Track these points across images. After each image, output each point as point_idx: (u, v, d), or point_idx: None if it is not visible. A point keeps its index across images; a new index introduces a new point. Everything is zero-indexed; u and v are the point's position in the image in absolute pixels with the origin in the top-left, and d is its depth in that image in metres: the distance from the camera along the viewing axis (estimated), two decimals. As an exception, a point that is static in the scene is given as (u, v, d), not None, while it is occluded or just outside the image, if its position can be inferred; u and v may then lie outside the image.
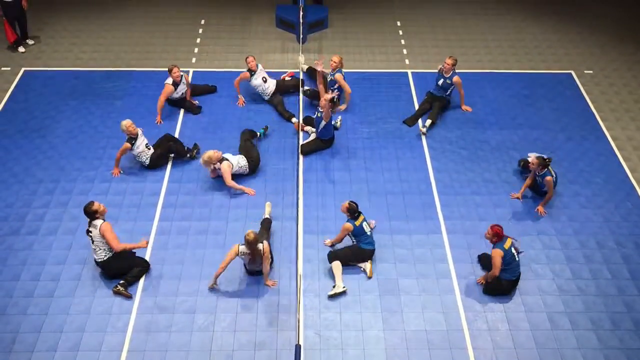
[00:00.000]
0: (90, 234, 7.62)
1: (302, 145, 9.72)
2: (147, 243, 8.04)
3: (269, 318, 7.46)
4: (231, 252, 7.53)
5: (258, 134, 9.87)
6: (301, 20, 11.69)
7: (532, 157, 8.77)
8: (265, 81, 10.67)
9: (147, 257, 8.12)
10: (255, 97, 10.93)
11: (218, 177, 9.16)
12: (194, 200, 8.99)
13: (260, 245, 7.47)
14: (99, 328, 7.32)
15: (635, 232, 8.66)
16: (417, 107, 10.81)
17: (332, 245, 8.23)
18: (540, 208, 8.87)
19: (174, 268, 8.04)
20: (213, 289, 7.73)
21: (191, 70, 11.71)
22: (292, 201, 8.94)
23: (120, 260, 7.72)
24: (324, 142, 9.78)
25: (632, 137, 10.39)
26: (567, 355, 7.17)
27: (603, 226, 8.73)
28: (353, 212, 7.84)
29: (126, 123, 9.04)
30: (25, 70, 11.66)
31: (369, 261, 8.02)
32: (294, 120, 10.42)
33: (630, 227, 8.72)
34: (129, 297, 7.60)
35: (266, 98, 10.80)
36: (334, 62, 10.36)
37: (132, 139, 9.11)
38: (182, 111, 10.63)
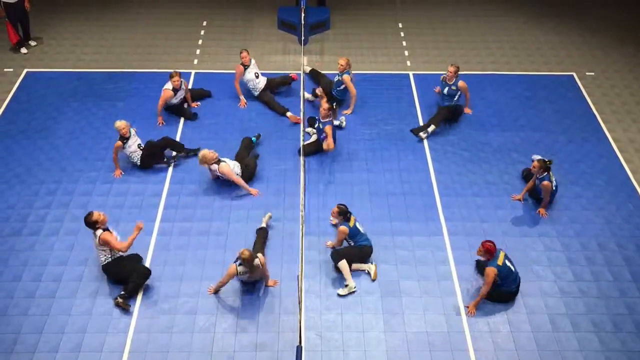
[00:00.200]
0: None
1: (303, 146, 9.70)
2: (142, 226, 7.69)
3: (270, 319, 7.46)
4: (229, 274, 7.41)
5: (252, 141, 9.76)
6: (303, 22, 11.70)
7: (535, 159, 8.76)
8: (257, 77, 10.75)
9: (148, 258, 8.13)
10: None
11: (218, 178, 9.16)
12: (196, 201, 9.00)
13: (256, 261, 7.38)
14: (101, 329, 7.32)
15: (636, 234, 8.65)
16: (418, 108, 10.82)
17: (333, 247, 8.23)
18: (541, 210, 8.86)
19: (175, 269, 8.04)
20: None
21: (193, 72, 11.73)
22: (292, 202, 8.94)
23: (120, 265, 7.66)
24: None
25: (634, 139, 10.38)
26: (568, 357, 7.16)
27: (604, 228, 8.72)
28: (344, 214, 7.83)
29: (120, 124, 9.06)
30: (27, 72, 11.68)
31: (374, 264, 8.01)
32: (288, 114, 10.54)
33: (631, 229, 8.71)
34: (128, 309, 7.46)
35: (255, 94, 10.85)
36: (341, 65, 10.34)
37: (125, 138, 9.14)
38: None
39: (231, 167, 8.96)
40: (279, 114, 10.61)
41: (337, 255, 7.90)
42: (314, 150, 9.77)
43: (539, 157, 8.82)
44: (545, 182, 8.56)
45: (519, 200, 9.07)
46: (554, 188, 8.76)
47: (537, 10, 14.02)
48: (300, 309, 7.09)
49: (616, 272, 8.12)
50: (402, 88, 11.42)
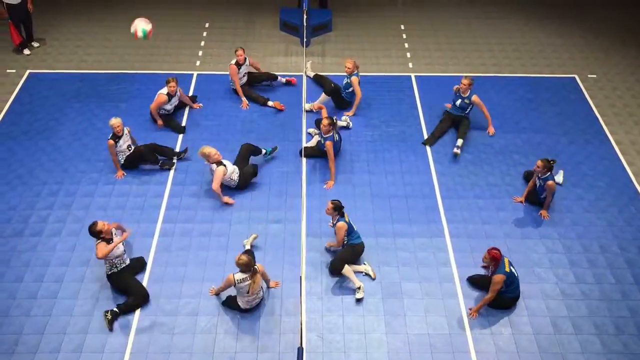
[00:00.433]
0: None
1: (305, 147, 9.71)
2: (127, 234, 7.63)
3: (271, 321, 7.46)
4: (227, 282, 7.25)
5: (264, 151, 9.55)
6: (305, 24, 11.71)
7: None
8: (244, 75, 10.95)
9: (150, 259, 8.14)
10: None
11: None
12: (197, 202, 9.00)
13: (256, 267, 7.23)
14: (102, 330, 7.32)
15: (638, 236, 8.64)
16: (420, 110, 10.82)
17: (330, 247, 8.17)
18: (543, 212, 8.85)
19: (177, 270, 8.05)
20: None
21: (195, 73, 11.74)
22: (294, 204, 8.95)
23: (121, 278, 7.62)
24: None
25: (636, 141, 10.37)
26: (570, 359, 7.15)
27: (606, 230, 8.71)
28: (339, 209, 7.78)
29: (116, 122, 9.05)
30: (30, 73, 11.71)
31: (368, 264, 7.99)
32: (269, 103, 10.76)
33: (633, 232, 8.71)
34: (109, 329, 7.29)
35: (233, 87, 11.01)
36: (348, 67, 10.33)
37: (117, 137, 9.14)
38: (186, 114, 10.65)
39: (229, 172, 8.87)
40: (259, 103, 10.81)
41: (335, 265, 7.79)
42: (315, 154, 9.70)
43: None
44: (550, 182, 8.56)
45: (521, 202, 9.06)
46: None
47: (539, 12, 14.02)
48: (301, 311, 7.10)
49: (618, 274, 8.11)
50: (404, 90, 11.43)
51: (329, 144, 9.12)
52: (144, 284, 7.82)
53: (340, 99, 10.62)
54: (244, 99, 10.87)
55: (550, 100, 11.23)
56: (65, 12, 13.65)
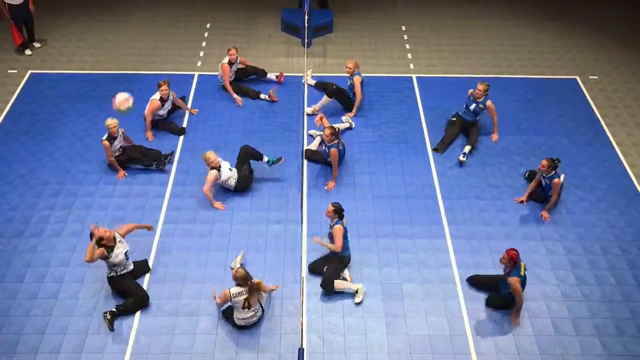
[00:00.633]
0: None
1: (306, 149, 9.68)
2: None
3: (272, 321, 7.45)
4: (224, 297, 7.15)
5: (266, 159, 9.31)
6: (306, 25, 11.71)
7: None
8: (233, 74, 11.05)
9: (151, 260, 8.14)
10: (262, 102, 10.96)
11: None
12: (198, 203, 9.01)
13: (252, 282, 7.08)
14: (103, 330, 7.32)
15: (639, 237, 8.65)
16: (421, 111, 10.83)
17: (324, 265, 7.94)
18: (544, 213, 8.85)
19: (177, 271, 8.05)
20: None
21: (196, 74, 11.75)
22: (294, 204, 8.95)
23: (119, 284, 7.59)
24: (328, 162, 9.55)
25: (637, 142, 10.36)
26: (571, 361, 7.16)
27: (607, 232, 8.71)
28: (339, 212, 7.70)
29: (111, 122, 9.04)
30: (31, 73, 11.72)
31: (360, 285, 7.76)
32: (262, 95, 10.87)
33: (635, 233, 8.70)
34: (110, 329, 7.31)
35: (222, 84, 11.06)
36: (349, 67, 10.31)
37: (112, 138, 9.15)
38: (186, 115, 10.66)
39: (224, 177, 8.82)
40: (250, 97, 10.91)
41: (328, 281, 7.64)
42: (317, 159, 9.61)
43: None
44: (556, 180, 8.57)
45: (522, 202, 9.06)
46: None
47: (540, 13, 14.02)
48: (302, 311, 7.10)
49: (619, 276, 8.10)
50: (405, 91, 11.42)
51: (333, 151, 9.04)
52: (145, 284, 7.82)
53: (347, 98, 10.59)
54: (235, 96, 10.91)
55: (552, 102, 11.22)
56: (67, 13, 13.67)
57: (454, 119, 10.22)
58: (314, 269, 7.93)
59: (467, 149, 9.80)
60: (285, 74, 11.59)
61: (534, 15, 13.96)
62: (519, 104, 11.12)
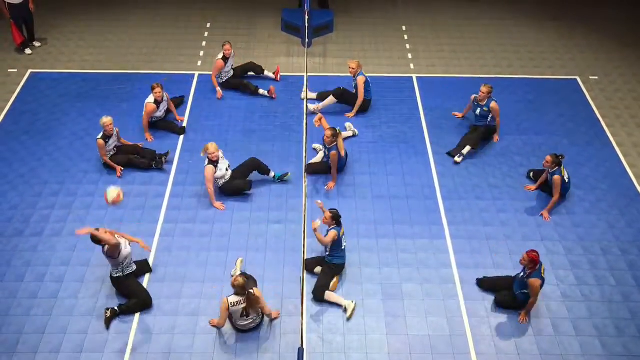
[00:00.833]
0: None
1: (309, 163, 9.40)
2: (146, 248, 7.63)
3: (272, 321, 7.45)
4: (223, 308, 7.00)
5: (273, 174, 9.24)
6: (307, 24, 11.71)
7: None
8: (230, 69, 11.08)
9: (151, 259, 8.14)
10: (264, 101, 10.97)
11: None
12: (198, 202, 9.01)
13: (250, 292, 6.98)
14: (102, 330, 7.32)
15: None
16: (421, 111, 10.84)
17: (316, 265, 7.94)
18: (544, 213, 8.85)
19: (177, 270, 8.05)
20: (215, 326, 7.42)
21: (197, 74, 11.75)
22: (294, 204, 8.95)
23: (123, 285, 7.57)
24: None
25: (637, 143, 10.36)
26: (570, 361, 7.16)
27: (607, 232, 8.71)
28: (337, 218, 7.65)
29: (107, 120, 9.05)
30: (31, 72, 11.72)
31: (354, 302, 7.63)
32: (260, 91, 10.89)
33: (635, 234, 8.70)
34: (107, 327, 7.30)
35: (220, 81, 11.10)
36: (352, 68, 10.30)
37: (107, 137, 9.14)
38: (187, 114, 10.66)
39: (220, 175, 8.77)
40: (250, 91, 10.98)
41: (319, 292, 7.60)
42: (319, 170, 9.43)
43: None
44: (556, 177, 8.61)
45: (530, 189, 9.19)
46: (566, 180, 8.80)
47: (540, 13, 14.02)
48: (302, 311, 7.10)
49: (619, 276, 8.10)
50: (405, 91, 11.43)
51: (333, 154, 8.98)
52: (145, 283, 7.82)
53: (353, 98, 10.55)
54: (218, 89, 11.01)
55: (552, 102, 11.22)
56: (67, 12, 13.66)
57: (470, 129, 10.14)
58: (306, 265, 7.89)
59: (467, 150, 9.78)
60: (285, 74, 11.59)
61: (534, 15, 13.96)
62: (519, 104, 11.12)
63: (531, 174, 9.47)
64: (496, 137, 10.22)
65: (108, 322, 7.34)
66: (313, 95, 10.94)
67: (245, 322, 7.18)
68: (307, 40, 12.21)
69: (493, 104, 9.82)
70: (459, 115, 10.61)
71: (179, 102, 10.85)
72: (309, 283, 7.87)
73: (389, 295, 7.80)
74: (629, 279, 8.07)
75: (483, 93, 9.77)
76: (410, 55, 12.50)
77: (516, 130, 10.50)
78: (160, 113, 10.13)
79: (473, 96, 10.03)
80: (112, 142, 9.29)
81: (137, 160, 9.39)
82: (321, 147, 9.73)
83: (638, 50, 12.78)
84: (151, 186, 9.27)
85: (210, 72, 11.74)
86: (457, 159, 9.67)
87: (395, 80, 11.73)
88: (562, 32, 13.39)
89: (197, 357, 7.10)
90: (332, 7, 13.83)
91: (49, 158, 9.75)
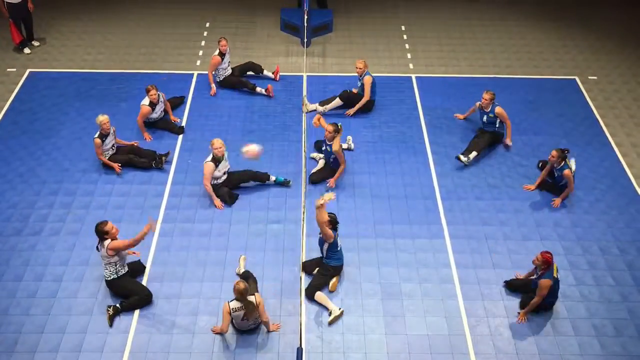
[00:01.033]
0: (98, 251, 7.44)
1: (312, 174, 9.37)
2: (153, 225, 7.31)
3: (271, 321, 7.44)
4: (225, 312, 6.96)
5: (273, 178, 9.18)
6: (306, 24, 11.70)
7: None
8: (228, 66, 11.10)
9: (149, 259, 8.14)
10: (263, 100, 10.97)
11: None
12: (197, 202, 9.00)
13: (252, 298, 6.95)
14: (101, 329, 7.32)
15: (638, 238, 8.63)
16: (420, 111, 10.84)
17: (315, 266, 7.92)
18: (556, 200, 8.93)
19: (176, 270, 8.05)
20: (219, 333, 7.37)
21: (195, 73, 11.75)
22: (294, 204, 8.95)
23: (122, 284, 7.54)
24: (335, 170, 9.38)
25: (636, 143, 10.37)
26: (569, 361, 7.16)
27: (606, 232, 8.71)
28: (334, 223, 7.60)
29: (103, 119, 9.03)
30: (30, 72, 11.71)
31: (342, 310, 7.58)
32: (258, 89, 10.91)
33: (633, 234, 8.71)
34: (109, 325, 7.30)
35: (218, 80, 11.13)
36: (359, 68, 10.27)
37: (104, 135, 9.13)
38: (186, 114, 10.65)
39: (218, 175, 8.75)
40: (248, 89, 11.00)
41: (311, 290, 7.60)
42: (324, 177, 9.35)
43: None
44: (566, 171, 8.67)
45: (530, 189, 9.19)
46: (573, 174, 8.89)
47: (540, 13, 14.02)
48: (301, 311, 7.10)
49: (618, 276, 8.11)
50: (405, 91, 11.43)
51: (337, 149, 8.98)
52: (144, 283, 7.81)
53: (358, 98, 10.52)
54: (213, 86, 11.04)
55: (551, 102, 11.23)
56: (66, 11, 13.65)
57: (478, 132, 10.07)
58: (305, 267, 7.89)
59: (473, 155, 9.62)
60: (285, 74, 11.59)
61: (534, 15, 13.96)
62: (518, 105, 11.12)
63: (540, 164, 9.50)
64: (508, 141, 10.03)
65: (111, 320, 7.34)
66: (314, 107, 10.68)
67: (246, 324, 7.21)
68: (306, 40, 12.20)
69: (498, 109, 9.74)
70: (461, 116, 10.61)
71: (179, 102, 10.84)
72: (308, 283, 7.87)
73: (388, 295, 7.80)
74: (628, 279, 8.08)
75: (485, 100, 9.72)
76: (409, 55, 12.51)
77: (515, 130, 10.49)
78: (155, 115, 10.09)
79: (477, 103, 9.99)
80: (110, 141, 9.27)
81: (137, 160, 9.39)
82: (320, 155, 9.71)
83: (637, 50, 12.79)
84: (150, 185, 9.26)
85: (210, 72, 11.77)
86: (464, 158, 9.59)
87: (395, 80, 11.73)
88: (562, 32, 13.40)
89: (196, 356, 7.09)
90: (331, 7, 13.82)
91: (47, 157, 9.74)
